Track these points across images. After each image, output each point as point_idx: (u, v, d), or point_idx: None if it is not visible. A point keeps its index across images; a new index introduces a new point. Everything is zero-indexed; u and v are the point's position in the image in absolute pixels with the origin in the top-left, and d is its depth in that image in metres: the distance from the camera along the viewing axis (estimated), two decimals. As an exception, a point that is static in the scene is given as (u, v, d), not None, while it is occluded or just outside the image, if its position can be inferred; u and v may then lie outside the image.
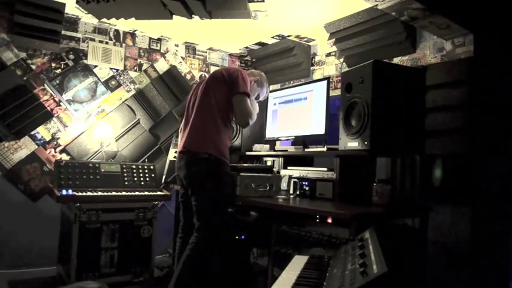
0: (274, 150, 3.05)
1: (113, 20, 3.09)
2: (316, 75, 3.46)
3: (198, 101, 2.35)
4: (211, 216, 2.18)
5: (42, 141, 3.07)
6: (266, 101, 3.23)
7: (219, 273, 2.56)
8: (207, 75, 2.67)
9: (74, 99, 3.21)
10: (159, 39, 3.66)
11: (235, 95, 2.26)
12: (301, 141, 2.79)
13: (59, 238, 2.97)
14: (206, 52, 3.98)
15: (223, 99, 2.29)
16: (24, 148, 2.99)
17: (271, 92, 3.25)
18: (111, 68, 3.40)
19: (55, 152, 3.12)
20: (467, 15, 2.17)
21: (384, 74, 2.12)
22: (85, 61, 3.26)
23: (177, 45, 3.79)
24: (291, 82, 3.68)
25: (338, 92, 2.69)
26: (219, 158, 2.22)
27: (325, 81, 2.67)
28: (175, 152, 2.64)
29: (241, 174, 2.35)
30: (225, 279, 2.66)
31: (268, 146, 3.09)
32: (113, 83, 3.42)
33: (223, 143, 2.28)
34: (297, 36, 3.39)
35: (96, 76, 3.32)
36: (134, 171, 3.06)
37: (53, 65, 3.12)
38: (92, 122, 3.28)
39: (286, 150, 2.87)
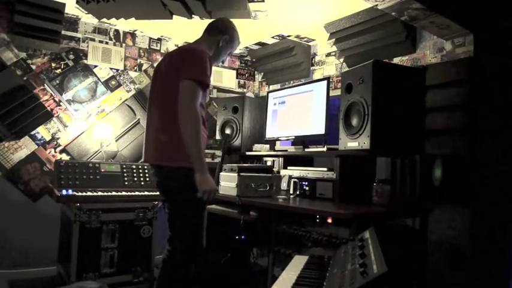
0: (274, 150, 3.05)
1: (113, 20, 3.09)
2: (316, 75, 3.46)
3: (160, 97, 1.96)
4: (183, 228, 1.96)
5: (42, 141, 3.06)
6: (266, 101, 3.23)
7: (219, 273, 2.56)
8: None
9: (74, 99, 3.21)
10: (159, 39, 3.66)
11: (184, 80, 1.81)
12: (301, 141, 2.79)
13: (59, 238, 2.97)
14: (206, 52, 3.98)
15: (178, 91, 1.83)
16: (24, 148, 2.99)
17: (271, 92, 3.25)
18: (111, 68, 3.40)
19: (55, 152, 3.12)
20: (467, 15, 2.17)
21: (384, 74, 2.12)
22: (85, 61, 3.26)
23: (177, 45, 3.78)
24: (291, 82, 3.68)
25: (338, 92, 2.69)
26: (188, 168, 1.81)
27: (325, 81, 2.67)
28: None
29: (241, 174, 2.35)
30: (225, 279, 2.66)
31: (268, 146, 3.09)
32: (113, 83, 3.42)
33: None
34: (297, 36, 3.39)
35: (96, 76, 3.32)
36: (134, 171, 3.07)
37: (53, 65, 3.12)
38: (92, 122, 3.28)
39: (286, 150, 2.87)
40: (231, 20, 2.23)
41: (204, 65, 1.85)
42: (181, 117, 1.79)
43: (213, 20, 2.19)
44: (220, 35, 2.11)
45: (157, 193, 2.91)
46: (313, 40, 3.45)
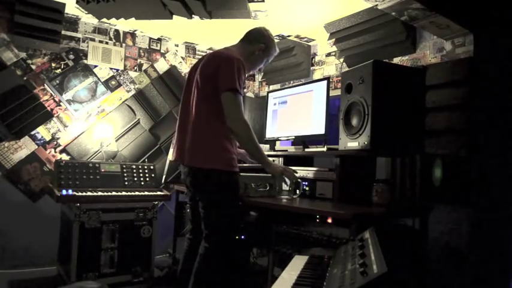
0: (274, 150, 3.05)
1: (113, 20, 3.09)
2: (316, 75, 3.46)
3: (195, 100, 2.05)
4: (219, 226, 2.06)
5: (42, 141, 3.07)
6: (266, 101, 3.23)
7: (226, 278, 2.56)
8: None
9: (74, 99, 3.21)
10: (159, 39, 3.66)
11: (223, 92, 1.95)
12: (301, 141, 2.79)
13: (59, 238, 2.97)
14: (206, 52, 3.97)
15: (215, 95, 1.97)
16: (24, 148, 2.99)
17: (271, 92, 3.25)
18: (111, 68, 3.40)
19: (55, 152, 3.12)
20: (467, 15, 2.17)
21: (384, 74, 2.12)
22: (85, 61, 3.27)
23: (177, 45, 3.79)
24: (291, 82, 3.68)
25: (338, 92, 2.69)
26: (224, 170, 2.00)
27: (325, 81, 2.66)
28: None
29: (241, 174, 2.34)
30: (225, 279, 2.66)
31: (268, 146, 3.09)
32: (113, 83, 3.42)
33: (226, 149, 2.02)
34: (297, 36, 3.39)
35: (96, 76, 3.32)
36: (134, 171, 3.06)
37: (53, 65, 3.12)
38: (92, 122, 3.28)
39: (286, 150, 2.87)
40: (268, 30, 2.31)
41: (238, 73, 1.96)
42: (233, 128, 1.97)
43: (251, 29, 2.28)
44: (256, 44, 2.22)
45: (157, 193, 2.96)
46: (313, 40, 3.45)
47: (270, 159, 2.96)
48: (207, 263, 2.04)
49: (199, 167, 2.03)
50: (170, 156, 3.32)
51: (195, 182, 2.10)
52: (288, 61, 3.58)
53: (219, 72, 1.96)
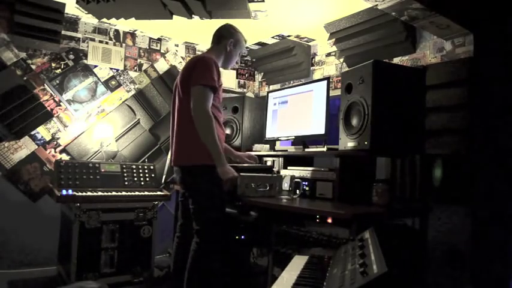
0: (274, 150, 3.05)
1: (113, 20, 3.09)
2: (316, 75, 3.46)
3: (177, 104, 2.20)
4: (209, 220, 2.11)
5: (42, 141, 3.07)
6: (266, 101, 3.23)
7: (219, 273, 2.56)
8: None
9: (74, 99, 3.21)
10: (159, 39, 3.67)
11: (193, 86, 2.06)
12: (301, 141, 2.79)
13: (59, 238, 2.97)
14: (206, 52, 3.98)
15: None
16: (24, 148, 2.99)
17: (271, 92, 3.25)
18: (111, 68, 3.40)
19: (55, 152, 3.12)
20: (467, 15, 2.17)
21: (384, 74, 2.12)
22: (85, 61, 3.27)
23: (177, 45, 3.79)
24: (291, 82, 3.68)
25: (338, 92, 2.69)
26: (210, 165, 2.06)
27: (325, 81, 2.67)
28: None
29: (241, 174, 2.34)
30: (225, 279, 2.66)
31: (268, 146, 3.09)
32: (113, 83, 3.42)
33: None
34: (297, 36, 3.39)
35: (96, 76, 3.32)
36: (134, 171, 3.06)
37: (53, 65, 3.12)
38: (92, 122, 3.28)
39: (286, 150, 2.87)
40: (231, 23, 2.42)
41: (209, 70, 2.07)
42: (194, 119, 2.03)
43: (217, 29, 2.38)
44: (226, 40, 2.31)
45: (157, 193, 2.97)
46: (313, 40, 3.45)
47: (270, 159, 2.98)
48: (199, 258, 2.08)
49: (186, 165, 2.15)
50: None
51: (184, 179, 2.20)
52: (288, 61, 3.58)
53: (193, 72, 2.08)
